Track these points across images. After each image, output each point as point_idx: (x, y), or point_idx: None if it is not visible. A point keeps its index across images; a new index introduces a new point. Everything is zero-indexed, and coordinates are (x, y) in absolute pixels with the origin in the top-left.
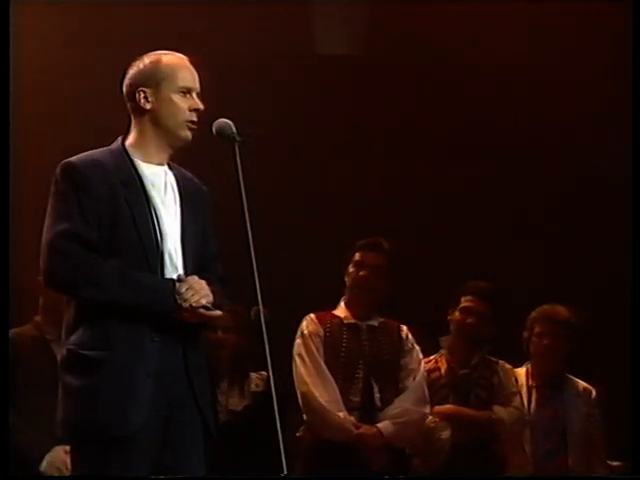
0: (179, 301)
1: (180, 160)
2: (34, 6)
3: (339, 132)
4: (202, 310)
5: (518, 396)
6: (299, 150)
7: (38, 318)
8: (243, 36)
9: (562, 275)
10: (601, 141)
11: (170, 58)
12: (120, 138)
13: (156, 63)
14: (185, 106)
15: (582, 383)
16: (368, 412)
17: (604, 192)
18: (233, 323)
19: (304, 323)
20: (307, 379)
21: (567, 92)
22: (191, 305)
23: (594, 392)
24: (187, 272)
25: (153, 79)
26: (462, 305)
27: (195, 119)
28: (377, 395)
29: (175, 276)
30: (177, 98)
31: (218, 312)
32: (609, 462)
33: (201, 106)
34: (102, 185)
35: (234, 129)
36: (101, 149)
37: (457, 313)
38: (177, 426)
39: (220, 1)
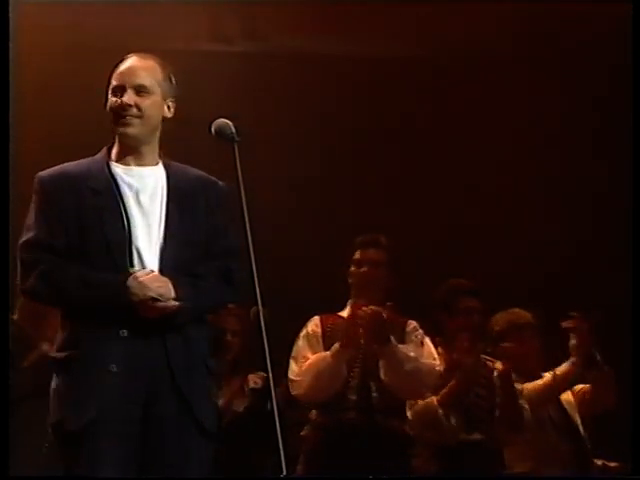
0: (128, 295)
1: (180, 160)
2: (34, 6)
3: (339, 132)
4: (150, 302)
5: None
6: (299, 150)
7: (15, 317)
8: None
9: (561, 275)
10: (602, 142)
11: (119, 64)
12: (106, 147)
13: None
14: (114, 105)
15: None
16: (365, 411)
17: (603, 193)
18: (240, 326)
19: (307, 324)
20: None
21: (567, 92)
22: (140, 299)
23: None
24: (163, 270)
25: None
26: (461, 306)
27: (124, 113)
28: (374, 395)
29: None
30: (110, 99)
31: (173, 303)
32: (608, 463)
33: (125, 100)
34: (68, 195)
35: (233, 129)
36: (86, 159)
37: (456, 314)
38: (157, 421)
39: (223, 1)
